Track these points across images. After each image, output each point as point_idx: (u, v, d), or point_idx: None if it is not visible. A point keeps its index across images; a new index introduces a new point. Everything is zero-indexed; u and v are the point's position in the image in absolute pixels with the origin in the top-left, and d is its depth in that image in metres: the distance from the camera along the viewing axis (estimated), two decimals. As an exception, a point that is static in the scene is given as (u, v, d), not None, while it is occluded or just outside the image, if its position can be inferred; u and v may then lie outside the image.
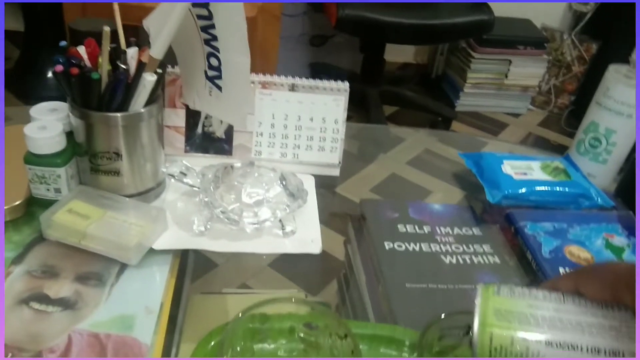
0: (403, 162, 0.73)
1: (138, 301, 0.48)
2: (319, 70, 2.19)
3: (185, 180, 0.55)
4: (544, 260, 0.56)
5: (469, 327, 0.37)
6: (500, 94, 2.24)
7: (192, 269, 0.54)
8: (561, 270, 0.55)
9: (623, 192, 0.72)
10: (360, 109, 1.88)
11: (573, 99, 2.30)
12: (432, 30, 1.66)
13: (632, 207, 0.66)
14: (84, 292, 0.48)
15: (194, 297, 0.53)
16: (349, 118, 0.66)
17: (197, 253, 0.55)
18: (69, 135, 0.53)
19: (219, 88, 0.55)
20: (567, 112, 2.28)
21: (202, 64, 0.55)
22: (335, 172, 0.68)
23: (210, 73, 0.55)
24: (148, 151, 0.54)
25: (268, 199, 0.55)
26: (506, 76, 2.20)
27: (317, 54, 2.25)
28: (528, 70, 2.20)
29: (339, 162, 0.68)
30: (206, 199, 0.54)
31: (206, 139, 0.64)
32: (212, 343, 0.40)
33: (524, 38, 2.13)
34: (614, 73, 0.68)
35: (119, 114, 0.50)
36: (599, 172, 0.71)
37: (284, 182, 0.57)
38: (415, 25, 1.63)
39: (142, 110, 0.51)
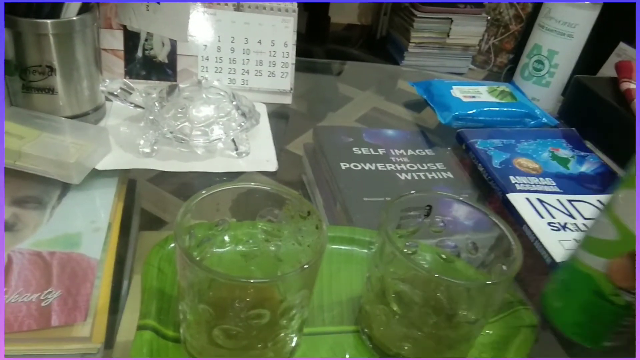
0: (352, 119, 0.72)
1: (83, 220, 0.45)
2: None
3: (127, 98, 0.52)
4: (495, 170, 0.57)
5: (429, 207, 0.37)
6: (443, 53, 2.27)
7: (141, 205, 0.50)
8: (511, 178, 0.56)
9: (565, 113, 0.74)
10: (306, 67, 1.86)
11: (511, 58, 2.37)
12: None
13: (575, 127, 0.69)
14: (22, 214, 0.44)
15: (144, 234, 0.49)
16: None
17: (147, 189, 0.51)
18: (-6, 53, 0.48)
19: (157, 1, 0.51)
20: (505, 70, 2.35)
21: (139, -24, 0.51)
22: (287, 99, 0.67)
23: (149, -16, 0.51)
24: (84, 68, 0.51)
25: (219, 118, 0.53)
26: (448, 35, 2.23)
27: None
28: (468, 29, 2.25)
29: (291, 89, 0.66)
30: (151, 117, 0.51)
31: (147, 64, 0.60)
32: (172, 245, 0.38)
33: (464, -4, 2.17)
34: (555, -5, 0.70)
35: (49, 21, 0.46)
36: (543, 96, 0.73)
37: (235, 102, 0.54)
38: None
39: (75, 18, 0.47)
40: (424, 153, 0.63)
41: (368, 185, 0.56)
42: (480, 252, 0.36)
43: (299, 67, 0.88)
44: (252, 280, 0.28)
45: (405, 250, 0.38)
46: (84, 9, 0.48)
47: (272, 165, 0.54)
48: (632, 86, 0.66)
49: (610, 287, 0.31)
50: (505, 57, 2.39)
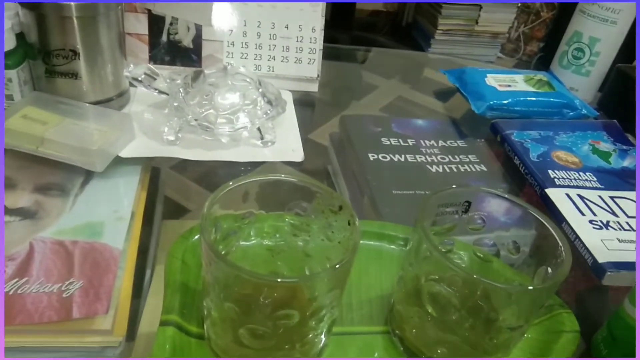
0: (376, 108, 0.70)
1: (107, 209, 0.44)
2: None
3: (152, 84, 0.50)
4: (532, 163, 0.55)
5: (468, 203, 0.35)
6: (471, 40, 2.21)
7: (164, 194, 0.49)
8: (550, 172, 0.53)
9: (606, 105, 0.71)
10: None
11: (542, 46, 2.29)
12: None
13: (615, 118, 0.65)
14: (44, 202, 0.44)
15: (167, 222, 0.48)
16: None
17: (171, 177, 0.50)
18: (20, 37, 0.47)
19: (184, -18, 0.49)
20: (535, 59, 2.28)
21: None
22: (314, 87, 0.65)
23: (175, -35, 0.50)
24: (108, 52, 0.49)
25: (245, 105, 0.51)
26: (476, 22, 2.17)
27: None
28: (498, 16, 2.18)
29: (318, 76, 0.64)
30: (175, 104, 0.49)
31: (172, 49, 0.59)
32: (196, 237, 0.36)
33: (494, -18, 2.10)
34: (599, -21, 0.66)
35: (72, 3, 0.44)
36: (582, 85, 0.70)
37: (261, 89, 0.53)
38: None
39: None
40: (455, 144, 0.61)
41: (397, 177, 0.53)
42: (522, 252, 0.34)
43: (324, 55, 0.86)
44: (279, 280, 0.27)
45: (441, 248, 0.35)
46: (109, -9, 0.47)
47: (298, 155, 0.53)
48: (680, 76, 0.62)
49: None
50: (535, 46, 2.32)
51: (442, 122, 0.66)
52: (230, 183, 0.29)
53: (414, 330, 0.32)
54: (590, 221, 0.47)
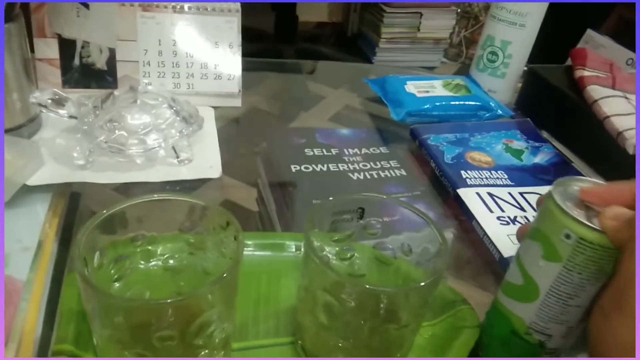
0: (325, 118, 0.71)
1: (11, 239, 0.43)
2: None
3: (58, 110, 0.49)
4: (447, 165, 0.56)
5: (362, 210, 0.36)
6: (414, 47, 2.27)
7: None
8: (462, 173, 0.55)
9: (522, 104, 0.74)
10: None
11: (483, 49, 2.37)
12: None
13: (531, 117, 0.68)
14: (-56, 236, 0.42)
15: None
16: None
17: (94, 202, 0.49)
18: None
19: (86, 6, 0.49)
20: (478, 62, 2.35)
21: (66, -19, 0.49)
22: (237, 102, 0.65)
23: (76, -11, 0.49)
24: (13, 79, 0.48)
25: (157, 124, 0.51)
26: (418, 29, 2.23)
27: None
28: (438, 23, 2.24)
29: (239, 91, 0.64)
30: (85, 128, 0.49)
31: (86, 72, 0.58)
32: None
33: (432, -10, 2.17)
34: (505, -15, 0.69)
35: (-34, 31, 0.43)
36: (499, 87, 0.73)
37: (174, 107, 0.53)
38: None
39: (-4, 27, 0.45)
40: (378, 151, 0.62)
41: (318, 187, 0.54)
42: (415, 252, 0.35)
43: (268, 68, 0.87)
44: (153, 302, 0.27)
45: (337, 255, 0.36)
46: (8, 19, 0.46)
47: (215, 172, 0.53)
48: (586, 73, 0.66)
49: (523, 328, 0.32)
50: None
51: (366, 130, 0.68)
52: (104, 211, 0.29)
53: (312, 339, 0.33)
54: (498, 217, 0.49)
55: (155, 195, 0.31)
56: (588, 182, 0.30)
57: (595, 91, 0.62)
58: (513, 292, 0.32)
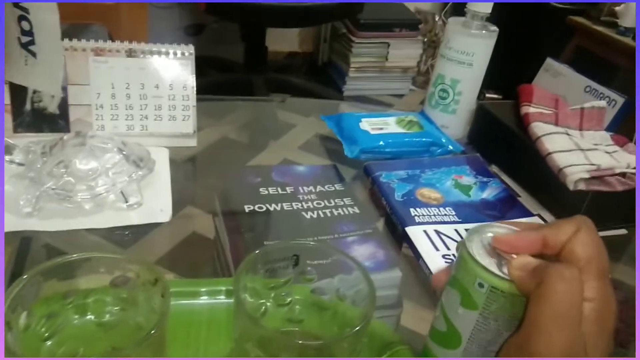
0: (295, 147, 0.73)
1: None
2: (201, 64, 2.12)
3: (6, 157, 0.49)
4: (396, 202, 0.58)
5: (297, 257, 0.36)
6: (383, 76, 2.32)
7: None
8: (412, 210, 0.56)
9: (474, 139, 0.76)
10: (246, 98, 1.86)
11: (450, 77, 2.43)
12: (305, 10, 1.67)
13: (482, 152, 0.70)
14: None
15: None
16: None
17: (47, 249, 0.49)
18: None
19: (34, 55, 0.50)
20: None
21: (15, 30, 0.50)
22: (192, 142, 0.66)
23: (24, 39, 0.50)
24: (-43, 128, 0.48)
25: (105, 169, 0.51)
26: (386, 59, 2.28)
27: (197, 46, 2.17)
28: (406, 52, 2.30)
29: (194, 131, 0.65)
30: (31, 175, 0.49)
31: (38, 116, 0.58)
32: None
33: (399, 21, 2.22)
34: (453, 25, 0.71)
35: None
36: (451, 123, 0.75)
37: (124, 151, 0.53)
38: (287, 6, 1.63)
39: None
40: (333, 188, 0.63)
41: (271, 227, 0.55)
42: (348, 296, 0.36)
43: (237, 97, 0.87)
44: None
45: (274, 300, 0.37)
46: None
47: (166, 216, 0.53)
48: (531, 110, 0.68)
49: None
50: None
51: (322, 167, 0.69)
52: (25, 276, 0.29)
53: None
54: (444, 255, 0.50)
55: (84, 253, 0.31)
56: (502, 229, 0.32)
57: (538, 128, 0.64)
58: (439, 338, 0.33)
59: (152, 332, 0.27)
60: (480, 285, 0.29)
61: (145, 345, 0.27)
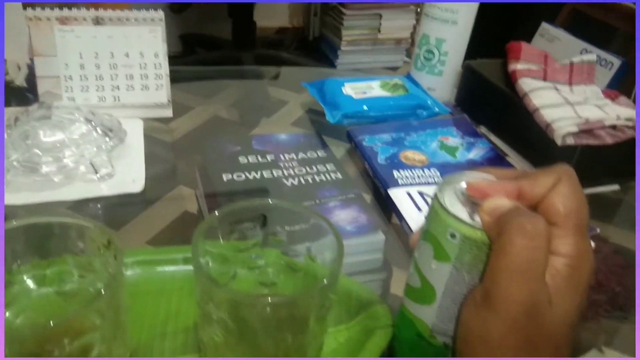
0: (287, 123, 0.70)
1: None
2: (190, 42, 2.09)
3: (-33, 130, 0.47)
4: (379, 166, 0.56)
5: (264, 217, 0.35)
6: (376, 48, 2.28)
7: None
8: (395, 173, 0.54)
9: (461, 100, 0.74)
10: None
11: (444, 47, 2.39)
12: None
13: (470, 113, 0.68)
14: None
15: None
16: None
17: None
18: None
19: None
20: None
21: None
22: (167, 112, 0.63)
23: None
24: None
25: (72, 140, 0.49)
26: (379, 30, 2.23)
27: (184, 24, 2.13)
28: (399, 23, 2.25)
29: (169, 101, 0.63)
30: (-5, 147, 0.47)
31: (5, 90, 0.56)
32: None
33: (390, -10, 2.18)
34: (436, -18, 0.69)
35: None
36: (438, 85, 0.73)
37: (92, 122, 0.51)
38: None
39: None
40: (315, 155, 0.61)
41: (250, 195, 0.53)
42: (319, 257, 0.34)
43: (227, 75, 0.85)
44: (25, 327, 0.25)
45: (244, 264, 0.35)
46: None
47: (138, 186, 0.51)
48: (518, 67, 0.66)
49: (427, 330, 0.31)
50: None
51: (305, 134, 0.67)
52: None
53: (214, 355, 0.31)
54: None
55: (35, 219, 0.29)
56: (477, 177, 0.30)
57: (525, 84, 0.62)
58: (414, 295, 0.31)
59: (102, 293, 0.26)
60: (452, 235, 0.27)
61: (94, 308, 0.26)
